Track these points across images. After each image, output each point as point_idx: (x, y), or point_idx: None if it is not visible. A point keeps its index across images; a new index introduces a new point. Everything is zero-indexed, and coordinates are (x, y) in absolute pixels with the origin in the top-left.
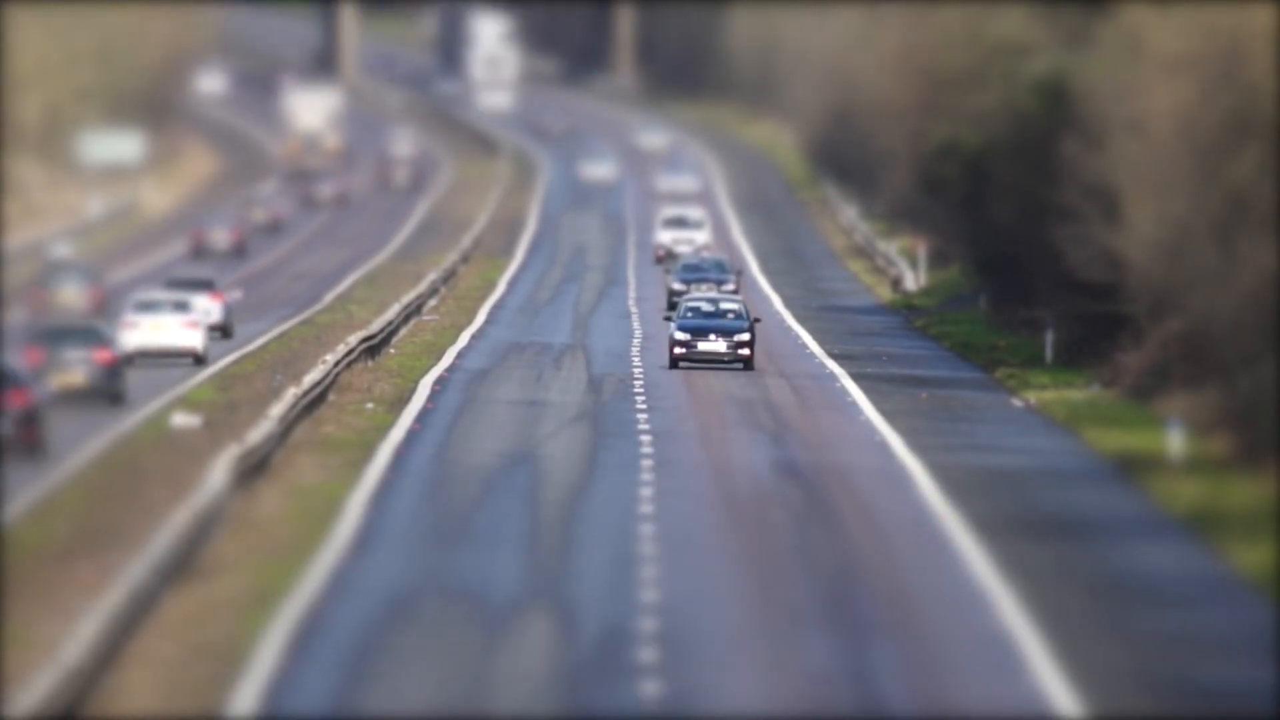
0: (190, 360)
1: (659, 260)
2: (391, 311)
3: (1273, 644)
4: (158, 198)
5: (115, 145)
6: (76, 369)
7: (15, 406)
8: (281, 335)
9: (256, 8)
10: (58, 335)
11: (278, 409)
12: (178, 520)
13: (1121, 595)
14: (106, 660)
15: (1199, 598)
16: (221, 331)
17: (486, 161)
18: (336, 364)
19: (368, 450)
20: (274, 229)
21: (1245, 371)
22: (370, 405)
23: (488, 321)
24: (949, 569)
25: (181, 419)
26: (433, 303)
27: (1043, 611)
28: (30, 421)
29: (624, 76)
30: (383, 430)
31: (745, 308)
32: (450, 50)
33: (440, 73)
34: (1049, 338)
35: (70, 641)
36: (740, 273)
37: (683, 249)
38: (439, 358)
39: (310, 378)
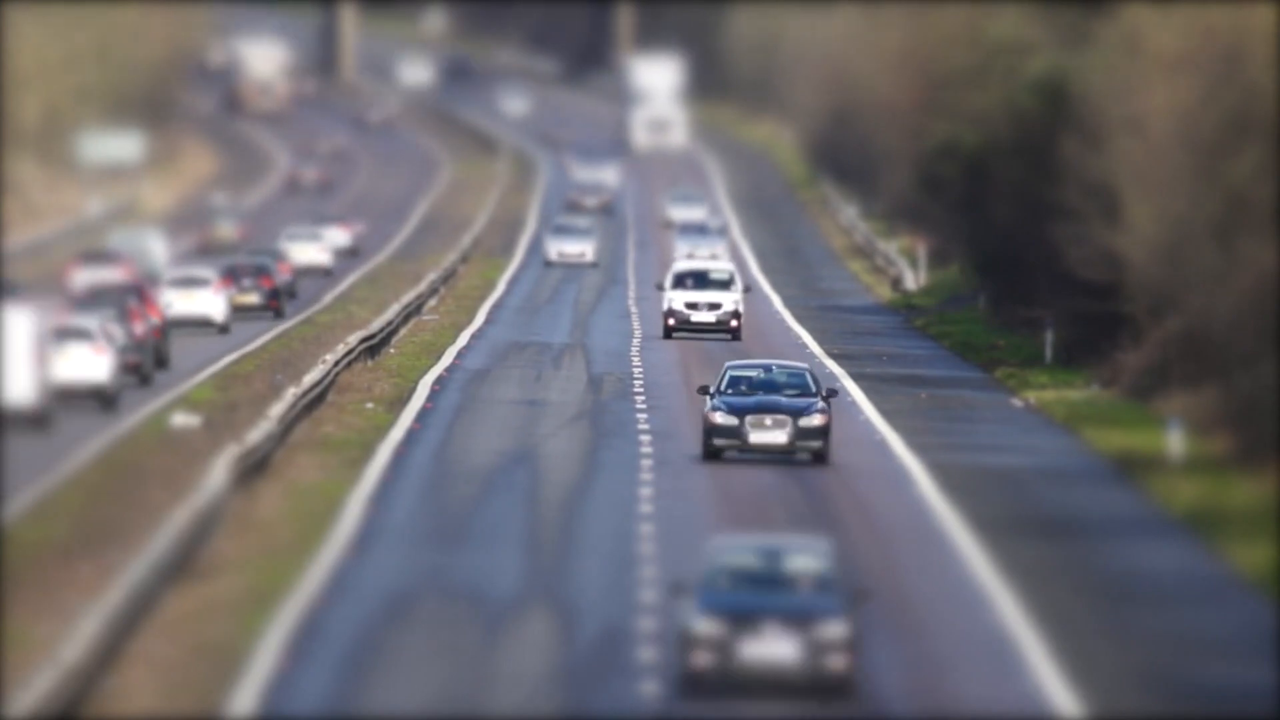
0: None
1: (669, 329)
2: (391, 311)
3: (1273, 644)
4: (157, 197)
5: (115, 145)
6: (251, 293)
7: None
8: (281, 335)
9: (256, 8)
10: (237, 269)
11: (277, 409)
12: (177, 520)
13: (1121, 595)
14: (106, 660)
15: (1199, 597)
16: (351, 253)
17: (486, 161)
18: (336, 364)
19: (367, 450)
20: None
21: (1245, 371)
22: (370, 405)
23: (487, 321)
24: (949, 569)
25: (181, 419)
26: (432, 302)
27: (1043, 611)
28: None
29: (624, 76)
30: (382, 430)
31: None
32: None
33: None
34: (1049, 337)
35: (70, 641)
36: (832, 393)
37: (703, 317)
38: (439, 357)
39: (310, 377)
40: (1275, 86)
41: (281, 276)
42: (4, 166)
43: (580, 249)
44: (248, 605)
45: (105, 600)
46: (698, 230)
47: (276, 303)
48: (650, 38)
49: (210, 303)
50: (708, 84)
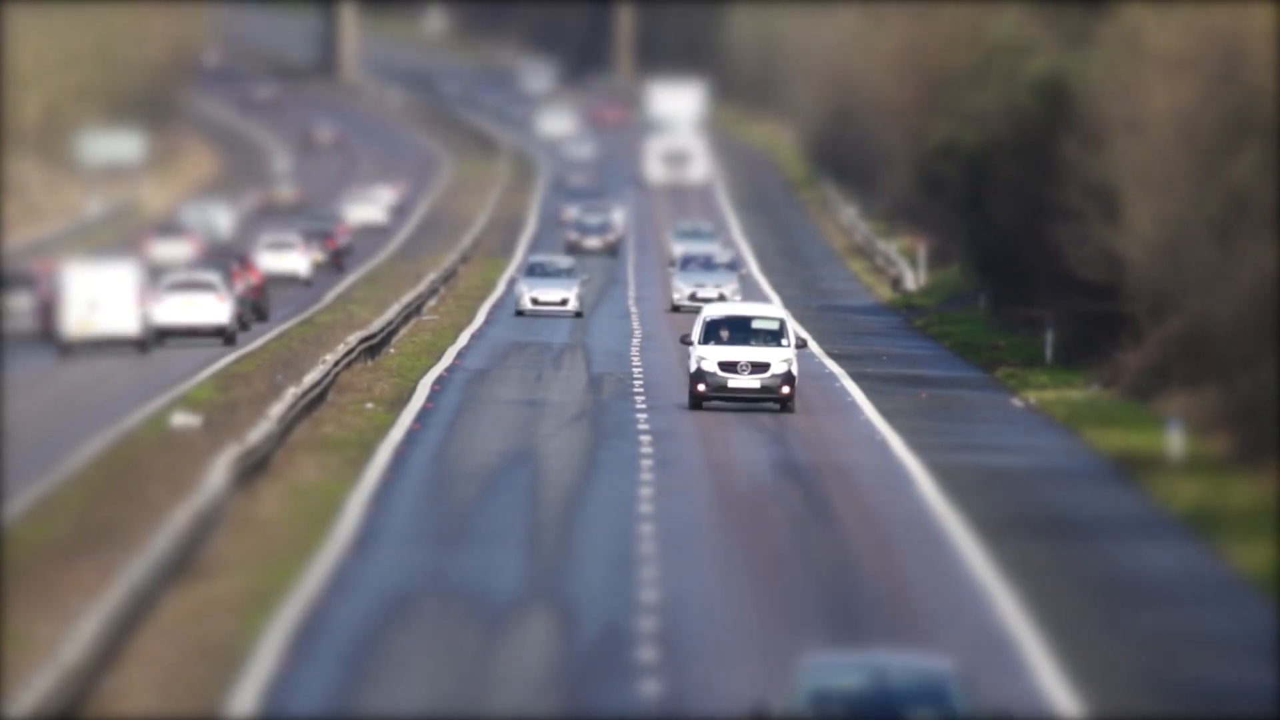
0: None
1: (697, 396)
2: (391, 311)
3: (1273, 644)
4: (157, 197)
5: (115, 145)
6: (318, 253)
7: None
8: (281, 335)
9: (256, 8)
10: (306, 233)
11: (277, 409)
12: (177, 520)
13: (1121, 595)
14: (106, 660)
15: (1199, 597)
16: (399, 210)
17: (486, 161)
18: (336, 364)
19: (367, 450)
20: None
21: (1245, 371)
22: (370, 405)
23: (487, 321)
24: (949, 569)
25: (181, 419)
26: (432, 302)
27: (1043, 611)
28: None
29: (622, 76)
30: (382, 430)
31: None
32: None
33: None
34: (1049, 337)
35: (70, 641)
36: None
37: (744, 383)
38: (439, 357)
39: (310, 377)
40: (1275, 86)
41: (342, 238)
42: (4, 166)
43: (560, 295)
44: (248, 605)
45: (105, 600)
46: (703, 265)
47: (340, 260)
48: (650, 37)
49: (297, 261)
50: (708, 84)
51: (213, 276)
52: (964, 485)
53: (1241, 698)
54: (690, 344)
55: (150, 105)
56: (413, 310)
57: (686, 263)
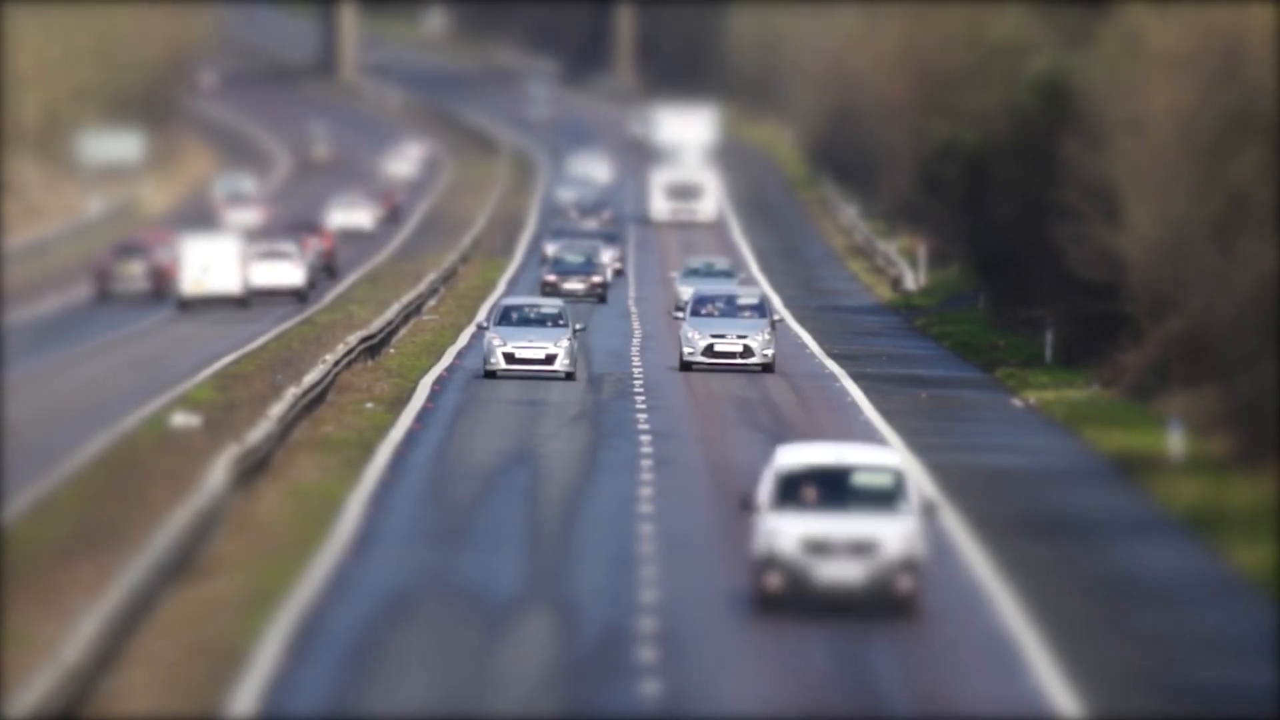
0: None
1: (768, 592)
2: (391, 311)
3: (1273, 644)
4: (157, 197)
5: (115, 145)
6: (378, 208)
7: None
8: (281, 335)
9: (256, 8)
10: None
11: (277, 409)
12: (177, 520)
13: (1121, 595)
14: (106, 660)
15: (1199, 598)
16: (433, 164)
17: (486, 161)
18: (336, 364)
19: (367, 450)
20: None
21: (1245, 371)
22: (370, 405)
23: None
24: (949, 569)
25: (181, 419)
26: (432, 302)
27: (1043, 611)
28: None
29: (622, 76)
30: (382, 430)
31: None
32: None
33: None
34: (1049, 337)
35: (70, 641)
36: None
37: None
38: (439, 357)
39: (310, 377)
40: (1275, 86)
41: (394, 198)
42: (4, 166)
43: (543, 349)
44: (248, 605)
45: (105, 600)
46: (722, 307)
47: (397, 216)
48: (651, 38)
49: (363, 218)
50: (708, 84)
51: (290, 247)
52: (964, 485)
53: (1241, 698)
54: (754, 510)
55: (150, 105)
56: (413, 310)
57: (701, 304)
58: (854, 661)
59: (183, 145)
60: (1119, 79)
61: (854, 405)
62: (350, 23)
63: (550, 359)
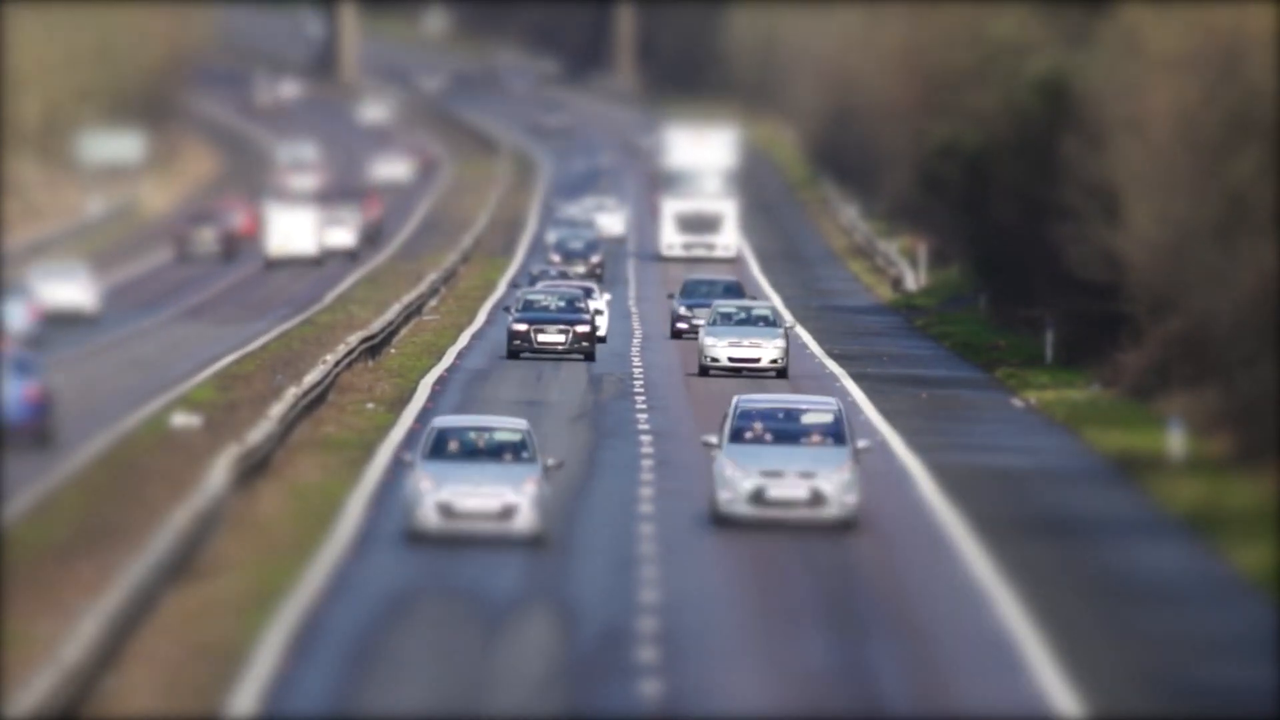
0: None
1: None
2: (392, 311)
3: (1273, 644)
4: (157, 198)
5: (115, 145)
6: (413, 161)
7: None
8: (282, 335)
9: (256, 8)
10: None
11: (278, 409)
12: (178, 520)
13: (1121, 595)
14: (106, 660)
15: (1199, 598)
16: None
17: (486, 161)
18: (337, 364)
19: (368, 450)
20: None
21: (1245, 371)
22: (370, 405)
23: (488, 321)
24: (949, 569)
25: (181, 419)
26: (433, 303)
27: (1043, 611)
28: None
29: (622, 76)
30: (383, 430)
31: None
32: None
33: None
34: (1049, 337)
35: (70, 641)
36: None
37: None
38: (439, 358)
39: (310, 377)
40: (1275, 86)
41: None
42: (4, 166)
43: (498, 496)
44: (248, 605)
45: (105, 600)
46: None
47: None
48: (651, 38)
49: (402, 171)
50: (708, 84)
51: (347, 214)
52: (964, 485)
53: (1241, 698)
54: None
55: (150, 105)
56: (413, 310)
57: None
58: (854, 661)
59: (183, 145)
60: (1119, 79)
61: (854, 405)
62: (350, 23)
63: (508, 512)
